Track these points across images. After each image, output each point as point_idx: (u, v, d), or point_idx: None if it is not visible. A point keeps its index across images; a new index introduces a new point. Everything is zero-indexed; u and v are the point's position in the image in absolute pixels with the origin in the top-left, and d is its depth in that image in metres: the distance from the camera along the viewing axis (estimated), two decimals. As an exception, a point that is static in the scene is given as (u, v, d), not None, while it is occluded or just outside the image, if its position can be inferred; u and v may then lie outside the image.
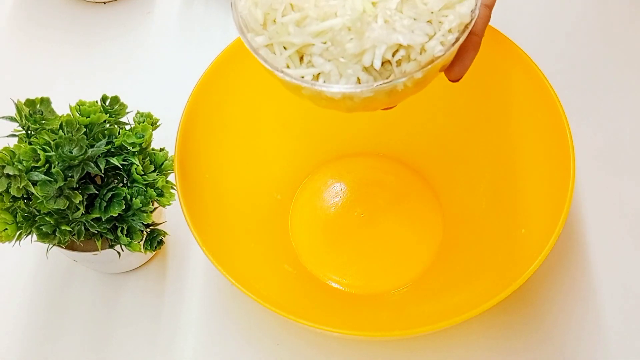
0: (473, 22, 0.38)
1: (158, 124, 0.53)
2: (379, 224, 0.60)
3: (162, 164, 0.52)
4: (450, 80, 0.41)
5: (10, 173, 0.44)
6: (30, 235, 0.48)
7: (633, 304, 0.55)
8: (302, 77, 0.38)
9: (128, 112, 0.51)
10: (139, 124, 0.51)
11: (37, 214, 0.47)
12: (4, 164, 0.44)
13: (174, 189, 0.50)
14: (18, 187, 0.44)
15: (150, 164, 0.51)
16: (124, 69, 0.70)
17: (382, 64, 0.37)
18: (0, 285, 0.58)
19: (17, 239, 0.48)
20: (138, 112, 0.52)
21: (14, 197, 0.46)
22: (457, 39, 0.37)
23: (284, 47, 0.38)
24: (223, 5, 0.74)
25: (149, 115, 0.52)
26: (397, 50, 0.36)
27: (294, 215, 0.61)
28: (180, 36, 0.73)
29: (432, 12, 0.37)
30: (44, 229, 0.47)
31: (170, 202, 0.50)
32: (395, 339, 0.54)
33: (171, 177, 0.51)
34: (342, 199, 0.62)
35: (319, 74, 0.38)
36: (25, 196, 0.47)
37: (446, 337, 0.54)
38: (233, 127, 0.56)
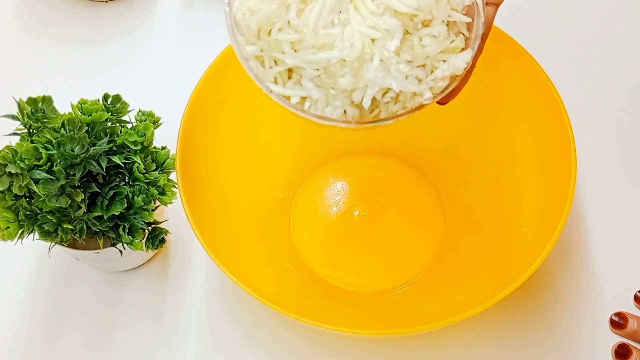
0: (464, 72, 0.38)
1: (160, 122, 0.53)
2: (381, 223, 0.60)
3: (164, 162, 0.52)
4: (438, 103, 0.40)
5: (12, 171, 0.44)
6: (32, 234, 0.48)
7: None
8: (289, 97, 0.37)
9: (130, 111, 0.51)
10: (140, 123, 0.51)
11: (39, 212, 0.47)
12: (6, 163, 0.44)
13: (176, 188, 0.50)
14: (20, 185, 0.44)
15: (152, 162, 0.51)
16: (126, 68, 0.70)
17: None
18: (2, 284, 0.58)
19: (19, 237, 0.48)
20: (140, 111, 0.52)
21: (16, 195, 0.46)
22: (446, 87, 0.38)
23: (275, 62, 0.37)
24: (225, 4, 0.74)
25: (151, 114, 0.52)
26: (387, 92, 0.37)
27: (296, 213, 0.61)
28: (182, 35, 0.73)
29: (427, 57, 0.37)
30: (46, 227, 0.47)
31: (172, 200, 0.50)
32: (397, 337, 0.54)
33: (173, 176, 0.51)
34: (343, 198, 0.62)
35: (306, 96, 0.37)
36: (27, 194, 0.47)
37: (447, 335, 0.54)
38: (235, 125, 0.56)
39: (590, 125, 0.64)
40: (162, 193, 0.50)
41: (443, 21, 0.36)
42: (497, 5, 0.41)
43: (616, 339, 0.54)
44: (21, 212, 0.47)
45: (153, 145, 0.52)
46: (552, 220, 0.45)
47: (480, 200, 0.57)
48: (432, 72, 0.37)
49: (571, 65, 0.68)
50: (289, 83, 0.38)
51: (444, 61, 0.37)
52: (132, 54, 0.71)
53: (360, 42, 0.35)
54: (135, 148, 0.49)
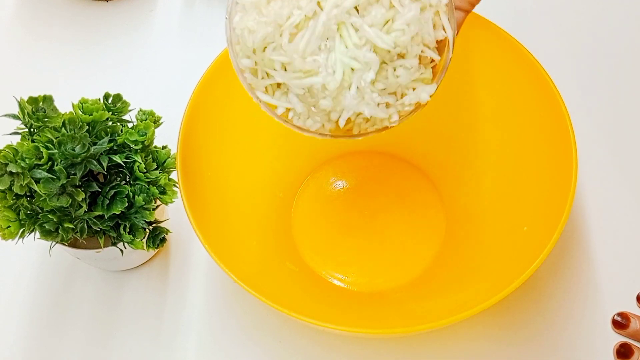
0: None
1: (160, 121, 0.53)
2: (382, 222, 0.60)
3: (165, 161, 0.52)
4: None
5: (13, 171, 0.44)
6: (33, 233, 0.48)
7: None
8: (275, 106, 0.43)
9: (130, 110, 0.51)
10: (141, 122, 0.51)
11: (40, 211, 0.47)
12: (7, 162, 0.44)
13: (177, 187, 0.50)
14: (21, 184, 0.44)
15: (153, 161, 0.51)
16: (127, 67, 0.70)
17: None
18: (3, 283, 0.58)
19: (20, 237, 0.48)
20: (140, 110, 0.52)
21: (17, 194, 0.46)
22: (412, 112, 0.43)
23: (267, 74, 0.42)
24: (225, 4, 0.74)
25: (152, 113, 0.52)
26: (359, 114, 0.42)
27: (296, 213, 0.61)
28: (183, 34, 0.73)
29: (399, 85, 0.42)
30: (46, 227, 0.47)
31: (173, 199, 0.50)
32: (398, 337, 0.54)
33: (173, 175, 0.51)
34: (344, 197, 0.62)
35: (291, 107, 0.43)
36: (28, 194, 0.47)
37: (447, 335, 0.54)
38: (235, 124, 0.56)
39: (591, 124, 0.64)
40: (163, 192, 0.50)
41: (416, 55, 0.41)
42: (467, 13, 0.44)
43: (616, 339, 0.54)
44: (22, 211, 0.47)
45: (154, 145, 0.52)
46: (553, 219, 0.45)
47: (481, 199, 0.57)
48: (401, 96, 0.42)
49: (572, 65, 0.68)
50: (277, 92, 0.42)
51: (414, 89, 0.42)
52: (132, 53, 0.71)
53: (341, 71, 0.40)
54: (136, 147, 0.49)
